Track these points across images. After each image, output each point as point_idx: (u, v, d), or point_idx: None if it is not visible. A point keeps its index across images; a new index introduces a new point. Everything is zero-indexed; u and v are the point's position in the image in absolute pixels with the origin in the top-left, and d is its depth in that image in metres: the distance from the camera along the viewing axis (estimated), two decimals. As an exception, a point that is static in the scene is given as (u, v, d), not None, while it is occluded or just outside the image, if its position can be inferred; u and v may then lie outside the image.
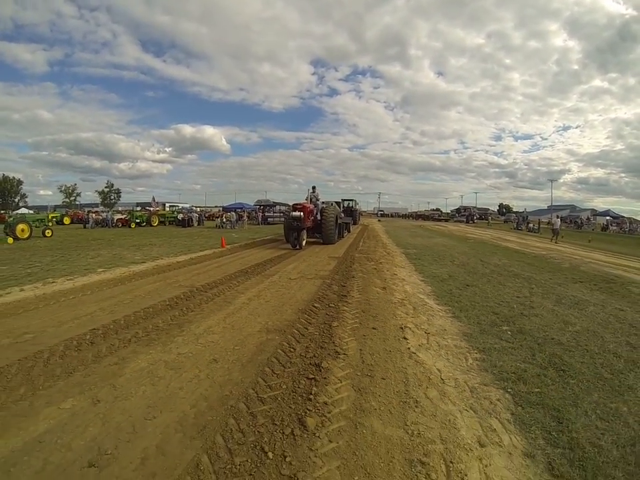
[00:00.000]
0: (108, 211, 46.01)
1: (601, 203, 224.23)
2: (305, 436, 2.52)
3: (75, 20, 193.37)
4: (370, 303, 6.16)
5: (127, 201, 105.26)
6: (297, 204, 15.06)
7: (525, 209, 64.73)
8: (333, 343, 4.24)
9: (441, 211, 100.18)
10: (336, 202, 27.49)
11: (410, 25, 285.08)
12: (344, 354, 3.93)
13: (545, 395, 3.19)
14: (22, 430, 2.59)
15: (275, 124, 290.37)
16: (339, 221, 17.74)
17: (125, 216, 37.23)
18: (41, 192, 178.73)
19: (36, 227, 21.65)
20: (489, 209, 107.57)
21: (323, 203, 17.97)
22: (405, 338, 4.53)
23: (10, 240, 18.28)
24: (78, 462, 2.27)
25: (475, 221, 64.09)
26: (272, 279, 8.16)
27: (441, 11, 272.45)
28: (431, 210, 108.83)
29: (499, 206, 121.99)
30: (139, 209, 58.48)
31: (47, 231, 21.89)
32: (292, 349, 4.05)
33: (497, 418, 2.84)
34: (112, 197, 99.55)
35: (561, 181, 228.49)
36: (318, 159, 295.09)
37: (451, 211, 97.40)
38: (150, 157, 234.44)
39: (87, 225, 33.05)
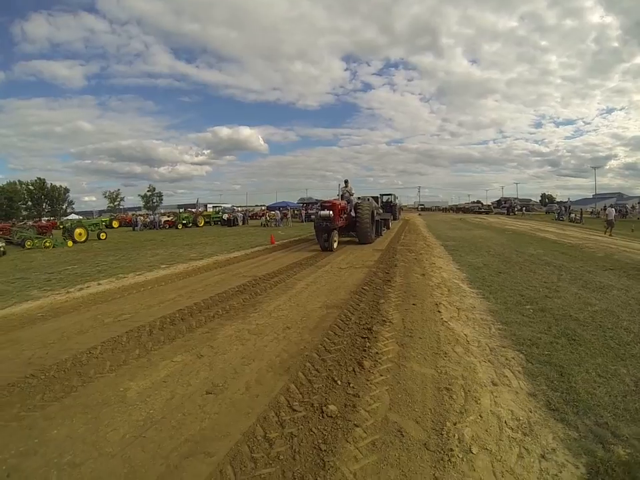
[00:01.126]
0: (156, 214, 48.26)
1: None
2: (363, 372, 3.47)
3: (107, 35, 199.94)
4: (410, 286, 7.06)
5: (168, 203, 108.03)
6: (325, 201, 13.88)
7: (569, 199, 62.15)
8: (380, 314, 5.21)
9: (482, 203, 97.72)
10: (373, 197, 24.16)
11: (439, 13, 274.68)
12: (389, 322, 4.89)
13: (553, 356, 3.89)
14: (147, 376, 3.59)
15: (311, 121, 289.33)
16: (375, 217, 16.46)
17: (172, 218, 39.46)
18: (86, 198, 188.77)
19: (91, 230, 23.55)
20: (531, 200, 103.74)
21: (358, 198, 16.84)
22: (439, 311, 5.40)
23: (70, 243, 20.21)
24: (198, 392, 3.25)
25: (516, 212, 62.67)
26: (324, 268, 9.19)
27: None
28: (471, 202, 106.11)
29: (542, 196, 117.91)
30: (181, 210, 60.73)
31: (102, 234, 23.96)
32: (348, 319, 5.05)
33: (509, 369, 3.63)
34: (154, 200, 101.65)
35: (607, 167, 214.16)
36: (356, 155, 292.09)
37: (492, 203, 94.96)
38: (189, 159, 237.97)
39: (135, 228, 35.08)
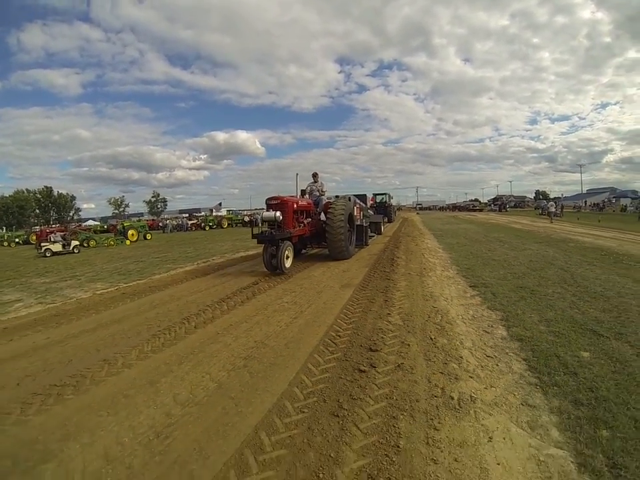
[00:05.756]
0: (183, 218, 52.23)
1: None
2: (394, 265, 9.22)
3: (102, 43, 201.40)
4: (409, 249, 12.77)
5: (168, 209, 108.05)
6: (272, 198, 9.66)
7: (562, 194, 66.75)
8: (395, 255, 10.93)
9: (479, 201, 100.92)
10: (358, 195, 16.00)
11: (430, 14, 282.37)
12: (400, 258, 10.58)
13: (471, 267, 9.28)
14: (311, 274, 9.05)
15: (307, 124, 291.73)
16: (359, 222, 12.84)
17: (197, 221, 43.54)
18: (84, 205, 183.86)
19: (139, 232, 26.21)
20: (525, 197, 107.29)
21: (336, 196, 12.55)
22: (423, 256, 11.04)
23: (128, 242, 23.13)
24: (337, 281, 8.74)
25: (507, 209, 66.64)
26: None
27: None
28: (469, 201, 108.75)
29: (535, 193, 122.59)
30: (185, 215, 63.89)
31: (147, 234, 27.04)
32: (382, 258, 10.77)
33: (450, 269, 9.13)
34: (159, 206, 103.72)
35: (604, 161, 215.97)
36: (353, 156, 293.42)
37: (488, 201, 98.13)
38: (186, 165, 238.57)
39: (165, 230, 38.31)
